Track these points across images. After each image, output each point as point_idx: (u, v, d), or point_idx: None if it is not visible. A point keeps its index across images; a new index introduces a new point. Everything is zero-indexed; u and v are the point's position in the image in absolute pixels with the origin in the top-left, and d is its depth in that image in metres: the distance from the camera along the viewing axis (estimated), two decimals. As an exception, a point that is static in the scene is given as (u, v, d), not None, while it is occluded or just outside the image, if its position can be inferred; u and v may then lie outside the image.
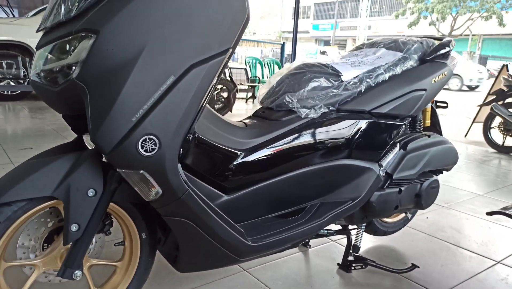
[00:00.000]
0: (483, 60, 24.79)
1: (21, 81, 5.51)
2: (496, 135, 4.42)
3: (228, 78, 5.66)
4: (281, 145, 1.25)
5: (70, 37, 0.90)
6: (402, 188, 1.52)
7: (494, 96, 4.38)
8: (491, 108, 4.17)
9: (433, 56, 1.58)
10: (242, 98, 7.63)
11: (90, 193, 0.98)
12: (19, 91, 5.79)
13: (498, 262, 1.80)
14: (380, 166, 1.45)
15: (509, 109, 4.16)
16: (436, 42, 1.64)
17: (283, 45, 9.03)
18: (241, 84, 7.00)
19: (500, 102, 4.25)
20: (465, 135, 5.06)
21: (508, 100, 4.28)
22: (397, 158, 1.51)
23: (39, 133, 3.72)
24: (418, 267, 1.68)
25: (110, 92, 0.86)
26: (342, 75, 1.39)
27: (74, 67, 0.88)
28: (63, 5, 0.93)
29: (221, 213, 1.09)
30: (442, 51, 1.59)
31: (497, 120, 4.38)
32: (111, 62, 0.86)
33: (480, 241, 2.01)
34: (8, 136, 3.56)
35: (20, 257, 1.03)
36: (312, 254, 1.76)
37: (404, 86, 1.46)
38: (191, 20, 0.91)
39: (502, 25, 23.71)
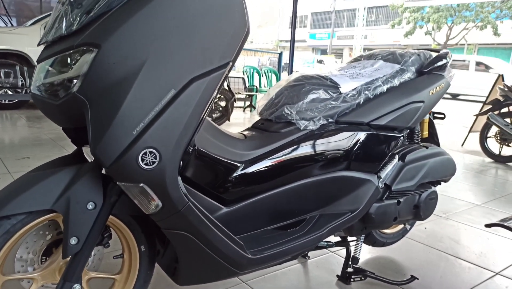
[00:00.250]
0: (478, 69, 24.95)
1: (19, 90, 5.50)
2: (493, 144, 4.44)
3: (226, 87, 5.68)
4: (280, 157, 1.25)
5: (72, 51, 0.90)
6: (401, 200, 1.52)
7: (490, 106, 4.41)
8: (488, 118, 4.20)
9: (430, 68, 1.60)
10: (240, 107, 7.64)
11: (90, 206, 0.98)
12: (16, 100, 5.78)
13: (497, 273, 1.80)
14: (379, 177, 1.45)
15: (505, 119, 4.19)
16: (433, 54, 1.66)
17: (280, 54, 9.08)
18: (239, 93, 7.02)
19: (496, 112, 4.28)
20: (462, 145, 5.08)
21: (504, 110, 4.31)
22: (396, 170, 1.51)
23: (37, 143, 3.71)
24: (417, 278, 1.68)
25: (111, 106, 0.86)
26: (340, 87, 1.40)
27: (75, 81, 0.88)
28: (64, 19, 0.94)
29: (221, 225, 1.09)
30: (439, 63, 1.61)
31: (494, 129, 4.41)
32: (112, 76, 0.86)
33: (478, 252, 2.01)
34: (5, 145, 3.55)
35: (18, 270, 1.03)
36: (311, 265, 1.76)
37: (402, 98, 1.47)
38: (192, 34, 0.92)
39: (497, 34, 23.97)
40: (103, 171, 1.00)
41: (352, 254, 1.63)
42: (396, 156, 1.53)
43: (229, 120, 5.46)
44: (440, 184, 1.74)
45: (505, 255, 2.00)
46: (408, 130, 1.59)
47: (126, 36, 0.87)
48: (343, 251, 1.86)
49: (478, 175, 3.68)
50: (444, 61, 1.62)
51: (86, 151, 1.10)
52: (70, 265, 1.00)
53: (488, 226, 1.52)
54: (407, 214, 1.58)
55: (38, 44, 1.02)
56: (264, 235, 1.26)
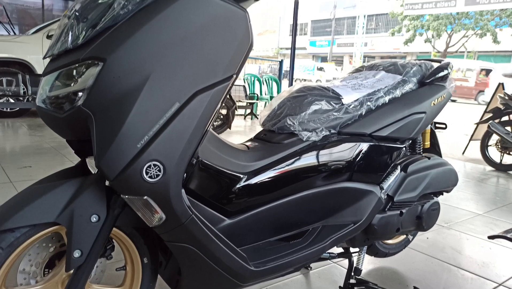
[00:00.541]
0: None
1: (21, 98, 5.52)
2: (494, 153, 4.44)
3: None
4: (283, 168, 1.26)
5: (77, 65, 0.91)
6: (403, 210, 1.52)
7: (491, 114, 4.42)
8: (488, 127, 4.21)
9: (432, 79, 1.60)
10: (241, 115, 7.66)
11: (94, 218, 0.98)
12: (18, 108, 5.80)
13: (500, 284, 1.79)
14: (381, 188, 1.45)
15: (506, 128, 4.19)
16: (435, 65, 1.66)
17: (281, 62, 9.12)
18: (239, 101, 7.04)
19: (496, 120, 4.28)
20: (463, 153, 5.08)
21: (504, 118, 4.32)
22: (398, 180, 1.51)
23: (38, 151, 3.71)
24: (420, 289, 1.67)
25: (116, 119, 0.87)
26: (342, 98, 1.41)
27: (80, 94, 0.89)
28: (70, 32, 0.94)
29: (224, 238, 1.08)
30: (441, 74, 1.62)
31: (495, 138, 4.41)
32: (117, 90, 0.87)
33: (481, 262, 2.00)
34: (6, 154, 3.55)
35: (20, 283, 1.02)
36: (313, 276, 1.75)
37: (404, 109, 1.47)
38: (196, 47, 0.93)
39: (496, 42, 24.10)
40: (107, 183, 1.01)
41: (354, 265, 1.62)
42: (398, 167, 1.53)
43: (230, 128, 5.47)
44: (442, 194, 1.74)
45: (508, 266, 1.99)
46: (410, 141, 1.60)
47: (131, 50, 0.88)
48: (345, 262, 1.86)
49: (480, 184, 3.68)
50: (445, 72, 1.63)
51: (90, 162, 1.11)
52: (73, 278, 0.99)
53: (491, 237, 1.52)
54: (410, 225, 1.57)
55: (44, 58, 1.03)
56: (267, 246, 1.26)
